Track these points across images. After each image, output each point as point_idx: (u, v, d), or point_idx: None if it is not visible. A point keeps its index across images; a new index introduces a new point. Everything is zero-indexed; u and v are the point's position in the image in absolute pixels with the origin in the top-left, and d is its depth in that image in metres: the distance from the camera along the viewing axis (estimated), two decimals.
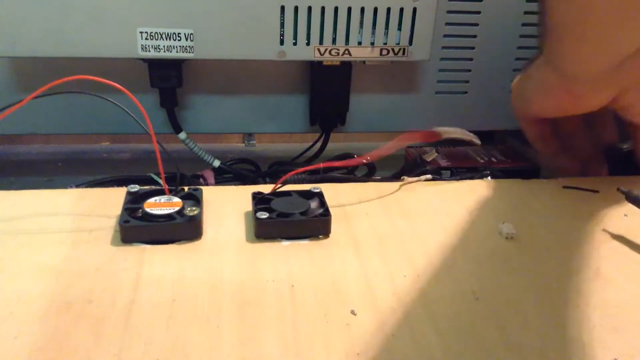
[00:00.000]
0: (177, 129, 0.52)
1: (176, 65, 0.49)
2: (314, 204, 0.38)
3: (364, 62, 0.50)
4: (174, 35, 0.45)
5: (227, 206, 0.39)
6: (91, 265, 0.32)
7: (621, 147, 0.49)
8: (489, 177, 0.49)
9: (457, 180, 0.47)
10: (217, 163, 0.53)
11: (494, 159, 0.58)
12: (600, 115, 0.46)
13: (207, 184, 0.52)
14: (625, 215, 0.41)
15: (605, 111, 0.44)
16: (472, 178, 0.48)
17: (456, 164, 0.57)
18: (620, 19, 0.35)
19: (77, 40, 0.44)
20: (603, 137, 0.49)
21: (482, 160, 0.58)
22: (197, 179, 0.52)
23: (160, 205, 0.36)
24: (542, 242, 0.37)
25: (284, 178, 0.39)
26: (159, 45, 0.45)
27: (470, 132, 0.47)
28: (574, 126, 0.48)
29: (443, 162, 0.57)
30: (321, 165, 0.44)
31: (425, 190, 0.44)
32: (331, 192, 0.41)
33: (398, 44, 0.48)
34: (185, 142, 0.52)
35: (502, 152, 0.61)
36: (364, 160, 0.44)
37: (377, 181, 0.46)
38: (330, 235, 0.36)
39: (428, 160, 0.51)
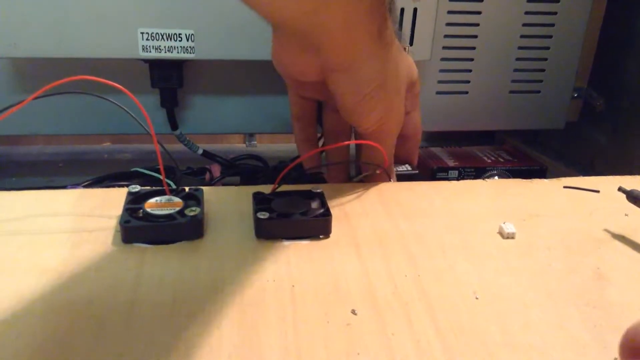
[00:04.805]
0: (174, 127, 0.52)
1: (177, 65, 0.50)
2: (314, 204, 0.38)
3: None
4: (175, 35, 0.45)
5: (227, 206, 0.39)
6: (92, 265, 0.32)
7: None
8: (496, 177, 0.49)
9: (458, 180, 0.47)
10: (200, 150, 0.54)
11: (501, 159, 0.58)
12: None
13: (212, 177, 0.52)
14: (626, 214, 0.41)
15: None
16: (479, 178, 0.48)
17: (463, 164, 0.57)
18: None
19: (78, 40, 0.44)
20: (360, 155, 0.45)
21: (489, 160, 0.58)
22: (203, 172, 0.52)
23: (161, 206, 0.36)
24: (542, 242, 0.37)
25: (282, 175, 0.38)
26: (159, 46, 0.46)
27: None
28: (338, 132, 0.45)
29: (450, 162, 0.57)
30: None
31: (425, 190, 0.44)
32: (332, 192, 0.41)
33: None
34: (180, 138, 0.53)
35: (509, 152, 0.62)
36: None
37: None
38: (331, 235, 0.36)
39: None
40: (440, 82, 0.57)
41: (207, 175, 0.53)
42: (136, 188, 0.38)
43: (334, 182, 0.47)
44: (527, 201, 0.42)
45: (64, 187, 0.44)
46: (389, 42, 0.37)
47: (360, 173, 0.45)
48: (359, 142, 0.41)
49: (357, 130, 0.43)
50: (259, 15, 0.34)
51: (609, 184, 0.44)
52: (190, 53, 0.46)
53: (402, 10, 0.48)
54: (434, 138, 0.72)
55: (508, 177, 0.56)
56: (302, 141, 0.46)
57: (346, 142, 0.44)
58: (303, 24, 0.34)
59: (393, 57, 0.38)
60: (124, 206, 0.36)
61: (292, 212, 0.36)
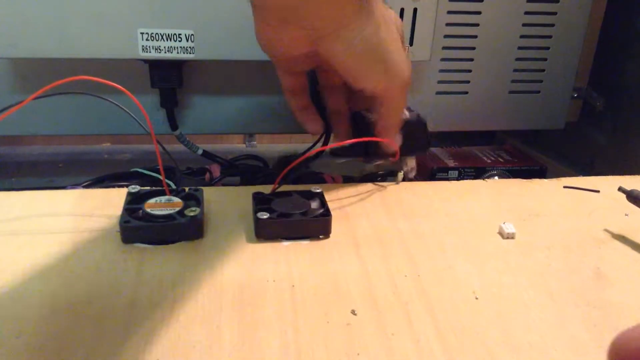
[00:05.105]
0: (174, 127, 0.52)
1: (177, 65, 0.50)
2: (314, 204, 0.38)
3: None
4: (175, 36, 0.45)
5: (227, 206, 0.39)
6: (92, 265, 0.32)
7: (369, 117, 0.44)
8: (496, 177, 0.49)
9: (458, 180, 0.47)
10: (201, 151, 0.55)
11: (500, 159, 0.58)
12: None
13: (212, 177, 0.52)
14: (626, 214, 0.41)
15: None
16: (479, 178, 0.48)
17: (463, 164, 0.57)
18: None
19: (78, 41, 0.44)
20: (356, 104, 0.45)
21: (489, 160, 0.58)
22: (203, 172, 0.52)
23: (161, 206, 0.36)
24: (542, 242, 0.37)
25: (282, 175, 0.38)
26: (159, 46, 0.45)
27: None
28: (332, 86, 0.45)
29: (450, 162, 0.57)
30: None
31: (425, 190, 0.44)
32: (332, 192, 0.41)
33: None
34: (180, 138, 0.53)
35: (509, 152, 0.62)
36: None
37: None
38: (331, 235, 0.36)
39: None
40: (440, 82, 0.57)
41: (207, 176, 0.53)
42: (136, 188, 0.38)
43: (338, 133, 0.46)
44: (527, 201, 0.42)
45: (64, 187, 0.44)
46: None
47: (372, 162, 0.45)
48: (368, 139, 0.41)
49: (366, 95, 0.41)
50: None
51: (609, 184, 0.44)
52: (190, 53, 0.46)
53: (402, 10, 0.47)
54: (434, 138, 0.72)
55: (508, 177, 0.56)
56: (300, 110, 0.45)
57: (353, 140, 0.43)
58: None
59: (378, 6, 0.37)
60: (124, 206, 0.36)
61: (292, 212, 0.36)
